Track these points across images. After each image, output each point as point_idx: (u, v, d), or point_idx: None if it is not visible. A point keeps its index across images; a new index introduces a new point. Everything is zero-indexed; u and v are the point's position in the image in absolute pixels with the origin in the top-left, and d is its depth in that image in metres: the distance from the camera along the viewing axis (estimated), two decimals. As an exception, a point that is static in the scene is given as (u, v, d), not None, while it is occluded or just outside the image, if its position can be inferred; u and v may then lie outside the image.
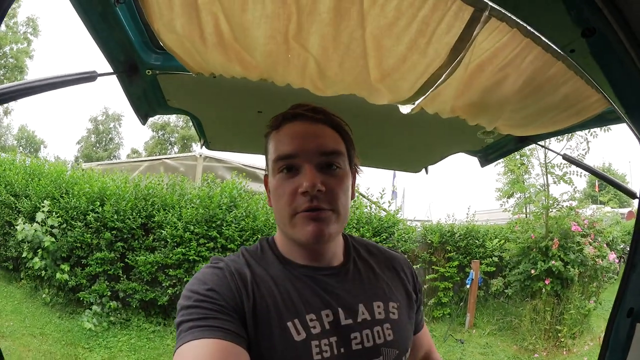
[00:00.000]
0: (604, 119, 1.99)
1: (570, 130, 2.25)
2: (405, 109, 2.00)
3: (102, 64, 1.93)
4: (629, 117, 1.43)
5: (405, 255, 10.60)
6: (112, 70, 1.89)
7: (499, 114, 1.92)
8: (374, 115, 2.17)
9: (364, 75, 1.60)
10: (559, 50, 1.24)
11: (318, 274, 1.43)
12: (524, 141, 2.56)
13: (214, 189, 9.79)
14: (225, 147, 3.12)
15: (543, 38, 1.29)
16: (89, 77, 1.69)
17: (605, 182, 2.38)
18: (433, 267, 11.79)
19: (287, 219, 1.36)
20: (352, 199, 1.49)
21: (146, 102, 2.25)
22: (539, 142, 2.58)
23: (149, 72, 1.92)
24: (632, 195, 2.16)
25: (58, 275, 8.64)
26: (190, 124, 2.68)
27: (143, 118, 2.38)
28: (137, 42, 1.79)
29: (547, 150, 9.63)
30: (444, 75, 1.54)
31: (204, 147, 3.02)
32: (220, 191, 9.65)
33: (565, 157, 2.51)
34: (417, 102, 1.85)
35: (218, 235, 9.16)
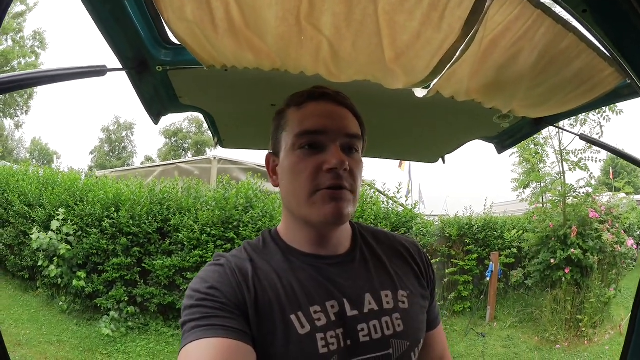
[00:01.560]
0: (619, 95, 1.94)
1: (586, 109, 2.21)
2: (420, 93, 1.98)
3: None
4: None
5: (425, 250, 10.75)
6: (121, 67, 1.86)
7: (514, 92, 1.89)
8: (389, 104, 2.15)
9: (378, 54, 1.57)
10: (573, 11, 1.18)
11: (322, 263, 1.41)
12: (540, 124, 2.52)
13: (230, 191, 9.78)
14: (240, 144, 3.10)
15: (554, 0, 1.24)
16: (99, 71, 1.67)
17: (627, 160, 2.34)
18: (452, 260, 11.73)
19: (305, 196, 1.34)
20: None
21: (158, 100, 2.22)
22: (554, 124, 2.53)
23: (159, 68, 1.90)
24: None
25: (75, 282, 8.67)
26: (203, 128, 2.67)
27: (155, 117, 2.35)
28: (146, 38, 1.77)
29: (561, 137, 9.58)
30: (458, 52, 1.51)
31: (218, 146, 2.99)
32: (235, 192, 9.63)
33: (582, 137, 2.47)
34: (432, 84, 1.82)
35: (235, 237, 9.13)
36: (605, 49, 1.37)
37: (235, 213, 9.28)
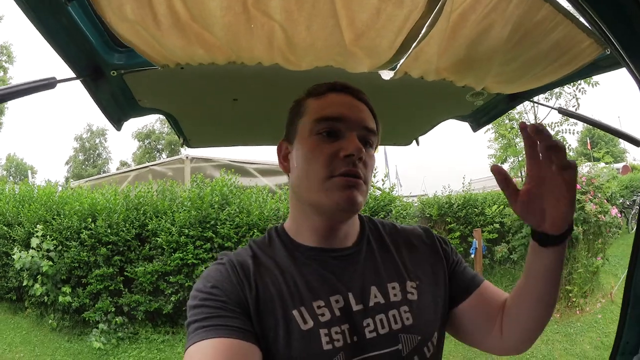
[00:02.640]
0: (598, 67, 1.88)
1: (563, 82, 2.17)
2: (387, 75, 1.89)
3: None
4: (629, 57, 1.32)
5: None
6: (75, 76, 1.77)
7: (487, 68, 1.81)
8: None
9: (336, 37, 1.48)
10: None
11: (327, 257, 1.39)
12: (515, 99, 2.45)
13: (204, 189, 9.73)
14: (206, 142, 3.03)
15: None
16: (48, 84, 1.57)
17: (606, 131, 2.29)
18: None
19: (319, 181, 1.32)
20: None
21: (117, 106, 2.13)
22: (530, 99, 2.48)
23: (114, 72, 1.81)
24: (637, 142, 2.07)
25: (61, 298, 8.58)
26: (174, 127, 2.62)
27: (117, 124, 2.27)
28: (97, 43, 1.67)
29: (537, 111, 9.61)
30: (424, 28, 1.42)
31: (184, 146, 2.92)
32: (210, 190, 9.58)
33: (560, 110, 2.43)
34: (399, 65, 1.74)
35: (214, 235, 9.09)
36: (584, 18, 1.30)
37: (211, 211, 9.23)
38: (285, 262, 1.36)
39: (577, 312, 9.01)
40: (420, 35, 1.47)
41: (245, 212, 9.38)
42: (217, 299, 1.21)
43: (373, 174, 9.63)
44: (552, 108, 2.60)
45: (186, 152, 12.05)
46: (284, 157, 1.50)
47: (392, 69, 1.82)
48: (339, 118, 1.36)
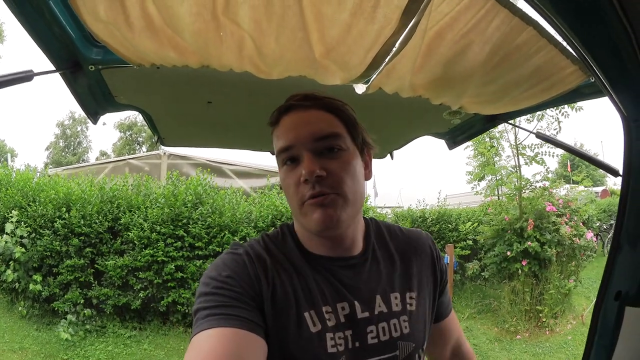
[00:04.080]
0: (580, 94, 1.90)
1: (543, 107, 2.17)
2: (360, 89, 1.88)
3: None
4: (612, 88, 1.31)
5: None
6: (54, 69, 1.76)
7: (464, 89, 1.80)
8: None
9: (305, 50, 1.46)
10: (540, 5, 1.08)
11: (335, 265, 1.41)
12: (493, 120, 2.46)
13: (179, 187, 9.69)
14: (180, 142, 3.03)
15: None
16: (24, 77, 1.56)
17: (585, 159, 2.30)
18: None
19: (297, 209, 1.35)
20: (367, 179, 1.49)
21: (94, 100, 2.13)
22: (509, 121, 2.48)
23: (92, 67, 1.80)
24: (615, 173, 2.07)
25: (31, 286, 8.48)
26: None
27: (93, 117, 2.26)
28: (76, 37, 1.66)
29: (517, 131, 9.67)
30: (397, 45, 1.40)
31: (159, 144, 2.91)
32: (185, 189, 9.55)
33: (539, 135, 2.43)
34: (371, 80, 1.72)
35: (185, 234, 9.04)
36: (569, 45, 1.29)
37: (184, 210, 9.19)
38: (299, 262, 1.38)
39: (547, 332, 9.04)
40: (393, 52, 1.45)
41: (217, 212, 9.37)
42: (232, 289, 1.21)
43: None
44: (530, 132, 2.61)
45: (164, 148, 12.06)
46: None
47: (366, 83, 1.80)
48: (289, 146, 1.35)
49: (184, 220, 9.13)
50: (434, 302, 1.58)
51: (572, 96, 1.90)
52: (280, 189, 1.54)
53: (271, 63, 1.57)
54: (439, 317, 1.64)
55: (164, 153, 12.83)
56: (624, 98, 1.34)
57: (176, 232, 9.00)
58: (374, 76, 1.68)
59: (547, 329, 9.15)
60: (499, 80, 1.70)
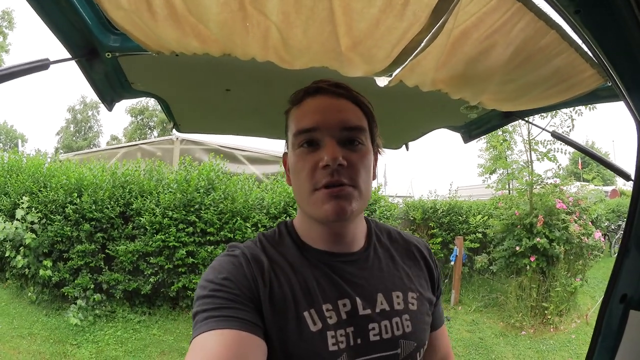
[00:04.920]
0: (597, 96, 1.90)
1: (560, 106, 2.18)
2: (382, 82, 1.89)
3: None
4: (628, 94, 1.34)
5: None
6: (70, 56, 1.77)
7: (484, 86, 1.82)
8: None
9: (332, 43, 1.48)
10: (564, 11, 1.11)
11: (336, 261, 1.41)
12: (510, 117, 2.47)
13: (191, 172, 9.63)
14: (196, 129, 3.04)
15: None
16: (41, 65, 1.56)
17: (598, 161, 2.30)
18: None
19: (306, 195, 1.34)
20: (373, 179, 1.46)
21: (110, 87, 2.14)
22: (524, 118, 2.49)
23: (108, 54, 1.81)
24: (627, 177, 2.08)
25: (41, 271, 8.47)
26: (166, 107, 2.65)
27: (109, 104, 2.27)
28: (93, 24, 1.67)
29: (530, 126, 9.63)
30: (424, 42, 1.42)
31: (174, 130, 2.94)
32: (197, 174, 9.50)
33: (554, 134, 2.44)
34: (394, 74, 1.74)
35: (197, 220, 9.01)
36: (589, 49, 1.31)
37: (197, 195, 9.15)
38: (297, 261, 1.38)
39: (551, 329, 9.02)
40: (419, 49, 1.46)
41: (230, 198, 9.31)
42: (230, 291, 1.22)
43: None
44: (547, 131, 2.61)
45: (176, 133, 12.02)
46: (287, 168, 1.50)
47: (388, 77, 1.81)
48: (314, 128, 1.34)
49: (196, 206, 9.09)
50: (431, 307, 1.58)
51: (589, 98, 1.91)
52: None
53: (296, 54, 1.59)
54: (432, 328, 1.62)
55: (177, 138, 12.75)
56: (639, 104, 1.37)
57: (188, 218, 8.98)
58: (397, 70, 1.69)
59: (551, 326, 9.13)
60: (519, 80, 1.72)
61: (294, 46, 1.52)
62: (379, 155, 1.56)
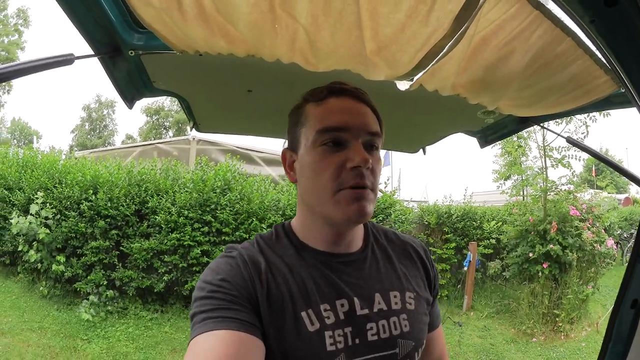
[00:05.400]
0: (610, 103, 1.92)
1: (575, 112, 2.20)
2: (402, 86, 1.91)
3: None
4: None
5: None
6: (93, 53, 1.78)
7: (503, 92, 1.83)
8: (370, 94, 2.10)
9: (358, 46, 1.50)
10: (580, 20, 1.14)
11: (334, 261, 1.42)
12: (526, 122, 2.49)
13: (208, 173, 9.66)
14: (216, 128, 3.06)
15: (561, 8, 1.20)
16: (66, 60, 1.56)
17: (612, 168, 2.31)
18: (430, 248, 11.70)
19: (328, 195, 1.33)
20: None
21: (132, 85, 2.15)
22: (540, 124, 2.51)
23: (132, 52, 1.83)
24: None
25: (54, 266, 8.53)
26: (185, 107, 2.67)
27: (130, 102, 2.29)
28: (118, 22, 1.69)
29: (545, 132, 9.60)
30: (446, 47, 1.44)
31: (193, 129, 2.95)
32: (214, 174, 9.52)
33: (569, 140, 2.45)
34: (416, 78, 1.76)
35: (213, 220, 9.05)
36: (603, 57, 1.33)
37: (213, 195, 9.16)
38: (294, 262, 1.38)
39: (562, 337, 8.99)
40: (441, 54, 1.48)
41: (246, 199, 9.34)
42: (227, 292, 1.22)
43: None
44: (560, 136, 2.62)
45: (193, 133, 12.07)
46: (289, 166, 1.50)
47: (409, 81, 1.83)
48: (342, 127, 1.34)
49: (212, 206, 9.12)
50: (429, 307, 1.59)
51: (603, 104, 1.92)
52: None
53: (322, 56, 1.61)
54: (428, 328, 1.60)
55: (193, 138, 12.81)
56: None
57: (204, 217, 9.01)
58: (419, 75, 1.71)
59: (562, 333, 9.10)
60: (536, 85, 1.73)
61: (321, 49, 1.54)
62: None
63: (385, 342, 1.35)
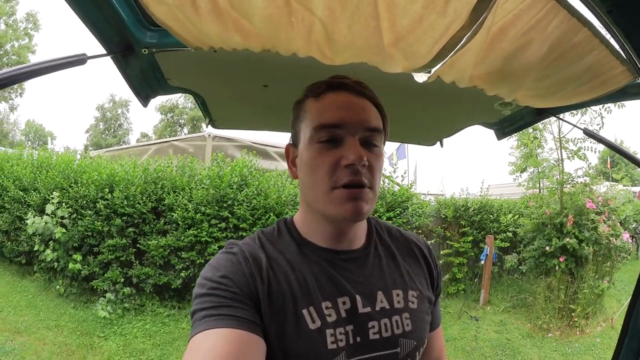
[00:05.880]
0: (626, 93, 1.90)
1: (591, 103, 2.19)
2: (420, 78, 1.91)
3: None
4: None
5: (420, 231, 10.41)
6: (106, 52, 1.79)
7: (520, 82, 1.82)
8: (387, 87, 2.02)
9: (376, 38, 1.48)
10: (597, 10, 1.14)
11: (337, 258, 1.40)
12: (542, 114, 2.48)
13: (224, 169, 9.67)
14: (232, 124, 3.06)
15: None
16: (79, 60, 1.58)
17: (629, 159, 2.30)
18: (447, 242, 11.76)
19: (324, 192, 1.31)
20: None
21: (146, 83, 2.16)
22: (557, 115, 2.50)
23: (145, 51, 1.84)
24: None
25: (71, 265, 8.61)
26: (198, 104, 2.68)
27: (144, 100, 2.29)
28: (129, 20, 1.70)
29: (561, 124, 9.54)
30: (464, 38, 1.43)
31: (209, 126, 2.96)
32: (230, 170, 9.53)
33: (586, 131, 2.44)
34: (433, 70, 1.75)
35: (230, 215, 9.07)
36: (620, 47, 1.33)
37: (229, 192, 9.17)
38: (296, 259, 1.37)
39: (577, 332, 8.95)
40: (459, 45, 1.47)
41: (263, 194, 9.33)
42: (228, 289, 1.21)
43: (394, 169, 9.53)
44: (577, 127, 2.61)
45: (208, 129, 12.04)
46: (292, 161, 1.49)
47: (426, 73, 1.83)
48: (338, 124, 1.32)
49: (229, 202, 9.13)
50: (431, 306, 1.57)
51: (619, 95, 1.92)
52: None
53: (340, 49, 1.60)
54: (432, 326, 1.60)
55: (209, 135, 12.84)
56: None
57: (221, 213, 9.03)
58: (437, 67, 1.70)
59: (577, 329, 9.06)
60: (553, 76, 1.72)
61: (338, 41, 1.53)
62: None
63: (387, 341, 1.34)
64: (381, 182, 10.80)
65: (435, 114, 2.64)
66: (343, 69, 1.65)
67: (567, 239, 8.99)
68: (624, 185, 13.05)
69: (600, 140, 2.43)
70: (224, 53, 1.76)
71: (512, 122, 2.65)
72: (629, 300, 1.99)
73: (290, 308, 1.26)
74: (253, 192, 9.33)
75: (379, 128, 1.38)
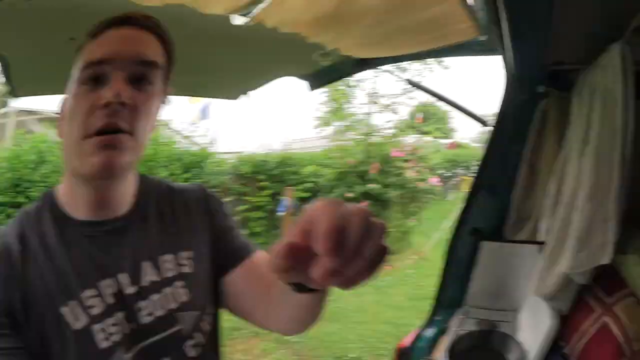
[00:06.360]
0: (467, 49, 1.96)
1: (425, 56, 2.21)
2: (239, 20, 1.68)
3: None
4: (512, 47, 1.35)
5: (218, 189, 10.36)
6: None
7: (351, 29, 1.71)
8: (199, 36, 1.80)
9: None
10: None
11: (99, 231, 1.13)
12: (363, 65, 2.40)
13: (23, 147, 8.25)
14: (35, 89, 2.56)
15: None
16: None
17: (455, 107, 2.42)
18: (245, 197, 11.70)
19: (74, 144, 1.05)
20: (152, 129, 1.18)
21: None
22: (380, 66, 2.48)
23: None
24: (483, 122, 2.25)
25: None
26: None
27: None
28: None
29: (375, 80, 9.98)
30: None
31: (10, 95, 2.51)
32: (29, 148, 8.12)
33: (410, 82, 2.47)
34: (256, 11, 1.54)
35: (26, 201, 7.42)
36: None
37: (26, 172, 7.76)
38: (54, 242, 1.08)
39: (389, 268, 9.50)
40: None
41: (61, 172, 8.25)
42: None
43: (194, 129, 9.26)
44: (400, 78, 2.65)
45: (11, 105, 10.95)
46: (62, 117, 1.17)
47: (248, 15, 1.61)
48: (105, 60, 1.04)
49: (26, 185, 7.69)
50: (218, 256, 1.30)
51: (458, 50, 1.93)
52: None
53: None
54: (238, 259, 1.29)
55: (12, 110, 11.74)
56: (514, 58, 1.39)
57: (17, 200, 7.51)
58: (261, 6, 1.51)
59: (388, 265, 9.57)
60: (390, 23, 1.64)
61: None
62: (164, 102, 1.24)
63: (161, 320, 1.12)
64: (179, 142, 10.54)
65: (243, 64, 2.41)
66: (159, 14, 1.47)
67: (370, 185, 9.64)
68: (435, 138, 14.04)
69: (424, 89, 2.47)
70: (33, 6, 1.47)
71: (329, 73, 2.54)
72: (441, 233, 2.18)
73: (49, 309, 1.01)
74: (51, 168, 7.91)
75: (156, 61, 1.11)
